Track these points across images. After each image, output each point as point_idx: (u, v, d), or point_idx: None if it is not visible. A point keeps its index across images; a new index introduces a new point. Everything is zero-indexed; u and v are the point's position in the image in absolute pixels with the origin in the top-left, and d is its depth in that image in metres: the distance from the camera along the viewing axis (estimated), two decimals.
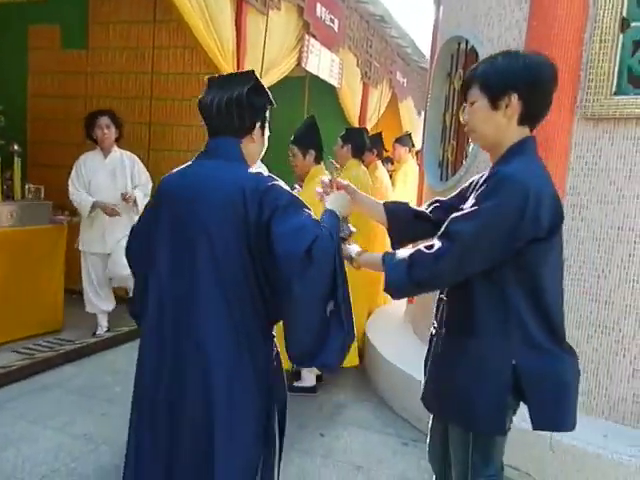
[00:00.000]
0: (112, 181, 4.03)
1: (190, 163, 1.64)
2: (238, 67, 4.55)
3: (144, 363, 1.59)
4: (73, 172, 4.04)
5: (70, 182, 4.00)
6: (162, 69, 5.35)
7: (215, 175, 1.53)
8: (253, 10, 4.54)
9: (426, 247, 1.48)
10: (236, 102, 1.56)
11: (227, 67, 4.42)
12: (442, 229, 1.49)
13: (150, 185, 4.11)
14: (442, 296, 1.69)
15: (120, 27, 5.57)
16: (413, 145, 6.25)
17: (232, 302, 1.49)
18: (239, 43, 4.51)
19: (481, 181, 1.54)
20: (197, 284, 1.49)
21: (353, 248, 1.77)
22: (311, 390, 3.45)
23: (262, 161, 3.73)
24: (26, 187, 4.09)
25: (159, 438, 1.55)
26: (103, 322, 4.22)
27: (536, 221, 1.42)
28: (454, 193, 1.81)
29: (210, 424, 1.47)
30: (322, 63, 5.65)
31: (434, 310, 1.74)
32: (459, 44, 3.64)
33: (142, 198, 3.99)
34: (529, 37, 2.84)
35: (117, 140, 4.10)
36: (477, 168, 3.21)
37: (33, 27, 5.93)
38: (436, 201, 1.86)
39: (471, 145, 3.44)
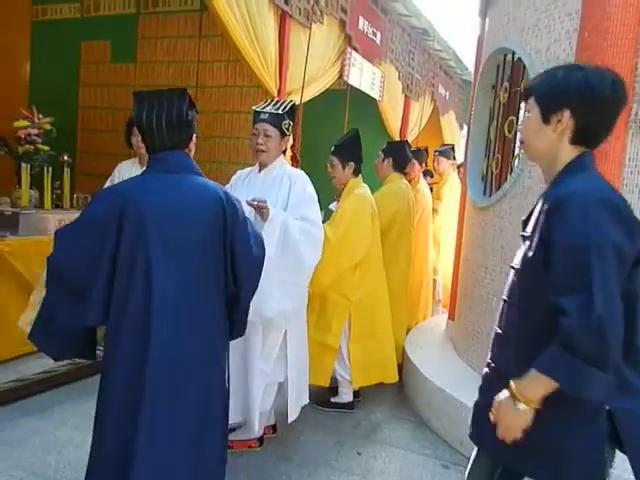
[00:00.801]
0: None
1: (148, 178, 1.77)
2: (280, 80, 4.59)
3: (124, 347, 1.70)
4: (108, 182, 3.56)
5: None
6: (206, 82, 5.47)
7: (195, 189, 1.78)
8: (296, 24, 4.58)
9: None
10: (180, 118, 1.76)
11: (269, 80, 4.46)
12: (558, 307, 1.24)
13: None
14: (500, 331, 1.53)
15: (167, 42, 5.74)
16: (454, 158, 6.15)
17: (217, 287, 1.82)
18: (282, 56, 4.55)
19: (540, 220, 1.35)
20: (200, 275, 1.76)
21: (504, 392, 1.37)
22: (348, 406, 3.39)
23: (306, 172, 3.78)
24: (74, 196, 4.20)
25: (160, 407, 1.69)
26: None
27: (633, 234, 1.26)
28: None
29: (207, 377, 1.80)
30: (364, 76, 5.65)
31: (491, 344, 1.57)
32: (505, 56, 3.57)
33: None
34: (580, 48, 2.75)
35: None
36: (523, 183, 3.12)
37: (86, 43, 6.18)
38: None
39: (517, 159, 3.35)
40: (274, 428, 2.97)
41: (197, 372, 1.76)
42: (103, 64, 6.17)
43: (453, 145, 6.25)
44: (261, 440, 2.85)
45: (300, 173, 2.77)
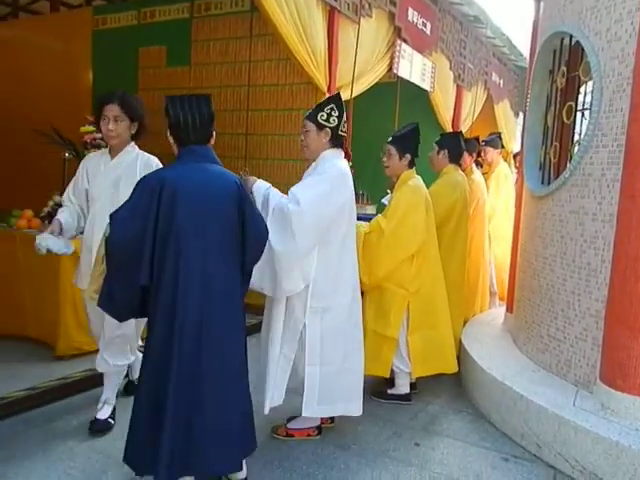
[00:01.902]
0: (114, 194, 2.73)
1: (181, 166, 2.13)
2: (330, 76, 4.63)
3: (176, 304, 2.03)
4: (77, 177, 2.99)
5: (67, 190, 2.98)
6: (258, 81, 5.56)
7: (218, 175, 2.16)
8: (345, 19, 4.60)
9: None
10: (206, 118, 2.17)
11: (319, 76, 4.51)
12: None
13: None
14: None
15: (219, 44, 5.87)
16: (503, 146, 5.98)
17: (235, 256, 2.18)
18: (331, 52, 4.58)
19: None
20: (221, 246, 2.11)
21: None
22: (405, 398, 3.40)
23: (353, 167, 3.68)
24: None
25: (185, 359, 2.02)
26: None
27: None
28: None
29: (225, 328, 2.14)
30: (414, 68, 5.60)
31: None
32: (562, 40, 3.46)
33: None
34: None
35: (136, 137, 2.88)
36: (583, 170, 3.02)
37: (143, 48, 6.43)
38: None
39: (577, 146, 3.24)
40: (332, 418, 3.01)
41: (218, 325, 2.11)
42: (159, 68, 6.40)
43: (500, 133, 6.09)
44: (319, 429, 2.91)
45: (331, 164, 2.69)
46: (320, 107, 2.71)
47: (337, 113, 2.68)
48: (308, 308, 2.63)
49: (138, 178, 2.27)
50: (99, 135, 4.31)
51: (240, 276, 2.23)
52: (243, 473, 2.34)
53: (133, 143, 2.83)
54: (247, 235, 2.20)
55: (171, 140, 2.21)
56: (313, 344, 2.66)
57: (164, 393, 2.01)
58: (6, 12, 9.03)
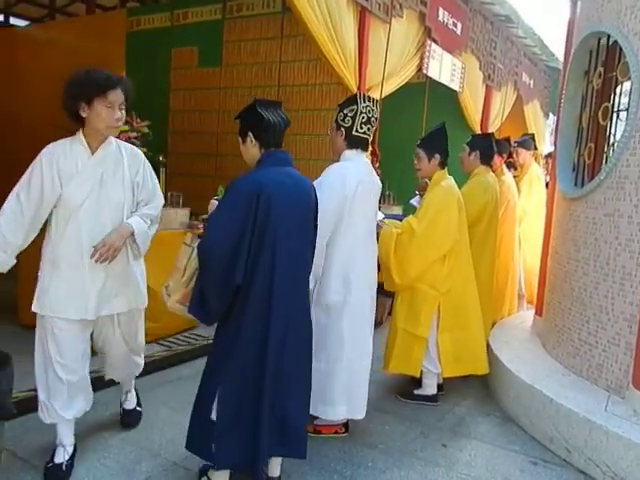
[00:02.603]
0: (100, 194, 2.31)
1: (271, 170, 2.19)
2: (360, 76, 4.63)
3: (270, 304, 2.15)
4: (27, 174, 2.25)
5: (15, 189, 2.26)
6: (288, 81, 5.62)
7: (302, 181, 2.27)
8: (375, 19, 4.60)
9: None
10: (286, 124, 2.28)
11: (349, 77, 4.52)
12: None
13: (162, 202, 2.62)
14: None
15: (250, 45, 5.96)
16: (536, 148, 5.90)
17: (311, 255, 2.36)
18: (361, 53, 4.58)
19: None
20: (304, 248, 2.27)
21: None
22: (432, 399, 3.39)
23: (381, 167, 3.67)
24: (169, 194, 4.48)
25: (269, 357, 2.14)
26: (66, 439, 2.44)
27: None
28: None
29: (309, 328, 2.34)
30: (443, 68, 5.56)
31: None
32: (599, 40, 3.41)
33: (146, 229, 2.45)
34: None
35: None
36: (619, 172, 2.98)
37: (176, 49, 6.55)
38: None
39: (613, 147, 3.19)
40: (346, 427, 2.95)
41: (303, 318, 2.30)
42: (191, 68, 6.51)
43: (533, 134, 6.01)
44: (346, 426, 2.92)
45: (333, 166, 2.77)
46: (340, 107, 2.75)
47: (351, 114, 2.68)
48: (314, 302, 2.65)
49: (127, 172, 2.35)
50: (134, 134, 4.42)
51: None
52: (278, 471, 2.39)
53: None
54: (314, 239, 2.37)
55: (251, 142, 2.22)
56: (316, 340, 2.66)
57: (258, 384, 2.13)
58: (43, 14, 9.29)
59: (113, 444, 2.69)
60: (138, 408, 2.94)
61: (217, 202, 2.24)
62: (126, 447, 2.67)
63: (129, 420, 2.86)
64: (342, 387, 2.71)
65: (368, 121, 2.72)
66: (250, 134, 2.23)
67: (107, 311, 2.43)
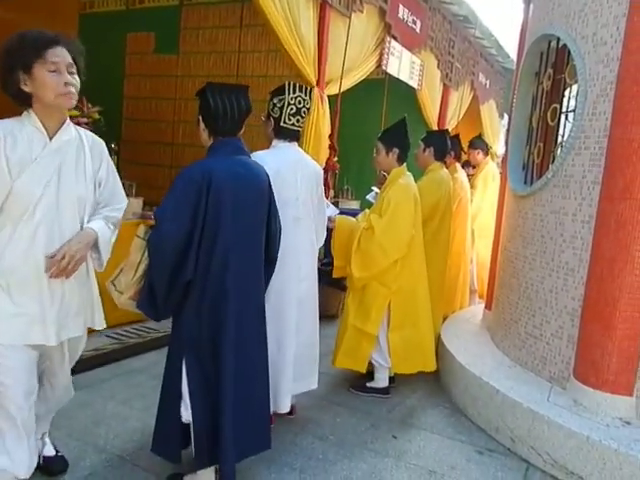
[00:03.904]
0: (58, 188, 1.87)
1: (223, 159, 2.11)
2: (319, 70, 4.62)
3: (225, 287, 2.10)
4: None
5: None
6: (247, 72, 5.56)
7: (255, 169, 2.21)
8: (336, 13, 4.59)
9: None
10: (246, 111, 2.16)
11: (309, 69, 4.50)
12: None
13: (126, 203, 2.17)
14: None
15: (209, 33, 5.85)
16: (488, 147, 6.06)
17: (262, 244, 2.28)
18: (321, 46, 4.57)
19: None
20: (256, 238, 2.22)
21: None
22: (383, 392, 3.44)
23: (340, 162, 3.65)
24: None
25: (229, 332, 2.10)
26: None
27: None
28: None
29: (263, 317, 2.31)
30: (402, 65, 5.62)
31: None
32: (550, 42, 3.51)
33: (110, 233, 2.05)
34: (629, 33, 2.69)
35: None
36: (565, 172, 3.08)
37: (131, 34, 6.35)
38: None
39: (560, 148, 3.30)
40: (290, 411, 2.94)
41: (255, 296, 2.27)
42: (147, 55, 6.34)
43: (479, 135, 6.20)
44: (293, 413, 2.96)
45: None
46: (271, 95, 2.70)
47: (280, 104, 2.65)
48: None
49: (89, 164, 1.91)
50: (84, 120, 4.26)
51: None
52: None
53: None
54: (272, 226, 2.30)
55: (202, 127, 2.16)
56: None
57: (220, 378, 2.09)
58: None
59: (57, 437, 2.59)
60: (59, 452, 2.37)
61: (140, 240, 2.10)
62: (71, 442, 2.58)
63: (56, 468, 2.30)
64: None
65: (297, 112, 2.67)
66: (200, 118, 2.17)
67: (66, 334, 1.97)
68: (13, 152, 1.77)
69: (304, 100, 2.69)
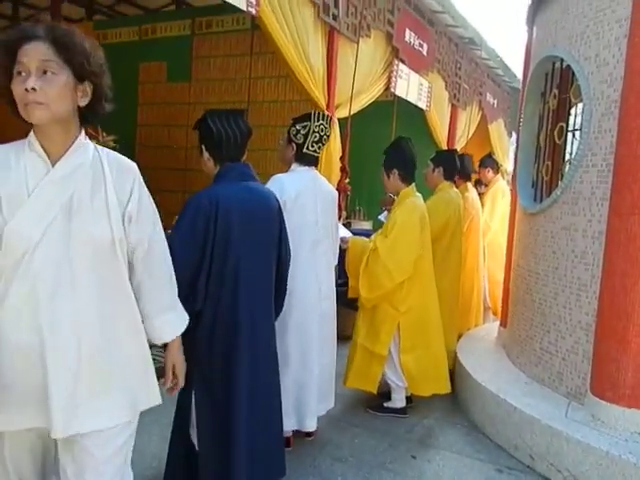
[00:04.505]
0: (70, 229, 1.36)
1: (230, 186, 2.11)
2: (329, 94, 4.73)
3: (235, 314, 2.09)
4: None
5: None
6: (258, 98, 5.68)
7: (264, 195, 2.22)
8: (344, 39, 4.72)
9: None
10: (247, 134, 2.18)
11: (318, 94, 4.61)
12: None
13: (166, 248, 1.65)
14: None
15: (220, 61, 6.01)
16: (498, 165, 6.12)
17: (273, 270, 2.30)
18: (330, 71, 4.69)
19: None
20: (266, 264, 2.23)
21: None
22: (401, 412, 3.44)
23: (351, 183, 3.69)
24: None
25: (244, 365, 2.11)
26: None
27: None
28: None
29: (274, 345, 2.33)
30: (410, 87, 5.72)
31: None
32: (554, 63, 3.59)
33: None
34: (630, 54, 2.75)
35: (89, 118, 1.47)
36: (574, 188, 3.13)
37: (143, 64, 6.54)
38: None
39: (568, 165, 3.35)
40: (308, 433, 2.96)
41: (266, 326, 2.26)
42: (159, 83, 6.51)
43: (490, 153, 6.26)
44: (310, 434, 2.96)
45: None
46: (294, 122, 2.79)
47: (304, 131, 2.73)
48: None
49: (112, 195, 1.39)
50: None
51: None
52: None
53: (83, 132, 1.42)
54: (283, 251, 2.32)
55: (206, 156, 2.17)
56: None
57: (232, 410, 2.08)
58: (5, 25, 9.15)
59: None
60: None
61: None
62: None
63: None
64: (290, 399, 2.71)
65: (320, 140, 2.77)
66: (204, 147, 2.18)
67: (87, 425, 1.38)
68: (3, 186, 1.32)
69: (325, 128, 2.79)
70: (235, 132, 2.13)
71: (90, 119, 1.46)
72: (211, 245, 2.00)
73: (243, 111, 2.32)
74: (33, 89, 1.26)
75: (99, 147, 1.47)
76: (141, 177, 1.53)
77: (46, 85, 1.29)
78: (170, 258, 1.63)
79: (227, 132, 2.11)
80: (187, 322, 1.68)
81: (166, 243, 1.60)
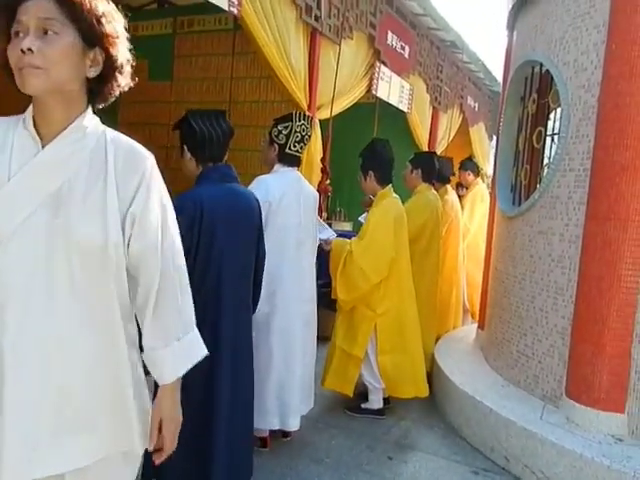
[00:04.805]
0: (52, 227, 1.08)
1: (215, 188, 2.10)
2: (310, 95, 4.72)
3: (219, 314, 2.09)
4: None
5: None
6: (239, 98, 5.64)
7: (246, 197, 2.23)
8: (326, 40, 4.71)
9: None
10: (229, 134, 2.16)
11: (300, 95, 4.59)
12: None
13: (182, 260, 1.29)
14: None
15: (202, 60, 5.95)
16: (479, 169, 6.17)
17: (252, 272, 2.30)
18: (312, 72, 4.67)
19: None
20: (246, 265, 2.24)
21: None
22: (378, 413, 3.44)
23: (332, 185, 3.65)
24: None
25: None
26: None
27: None
28: None
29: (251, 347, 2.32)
30: (392, 89, 5.73)
31: None
32: (533, 68, 3.62)
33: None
34: (608, 60, 2.79)
35: (99, 95, 1.20)
36: (552, 192, 3.16)
37: None
38: None
39: (546, 169, 3.39)
40: (286, 433, 2.97)
41: (246, 324, 2.29)
42: (140, 82, 6.42)
43: (470, 157, 6.31)
44: (286, 435, 2.95)
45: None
46: (275, 122, 2.81)
47: (286, 131, 2.75)
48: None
49: (112, 189, 1.11)
50: None
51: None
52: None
53: (90, 111, 1.18)
54: (260, 252, 2.33)
55: (187, 156, 2.15)
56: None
57: (214, 417, 2.07)
58: None
59: None
60: None
61: None
62: None
63: None
64: (273, 399, 2.73)
65: (302, 139, 2.79)
66: (185, 147, 2.16)
67: (48, 469, 1.11)
68: None
69: (307, 128, 2.81)
70: (218, 132, 2.11)
71: (101, 96, 1.20)
72: (195, 248, 1.98)
73: (224, 111, 2.24)
74: (30, 50, 1.02)
75: (110, 131, 1.20)
76: (158, 174, 1.22)
77: (45, 46, 1.04)
78: (186, 278, 1.27)
79: (210, 132, 2.09)
80: (200, 356, 1.27)
81: (181, 258, 1.26)
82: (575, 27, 3.05)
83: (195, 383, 2.04)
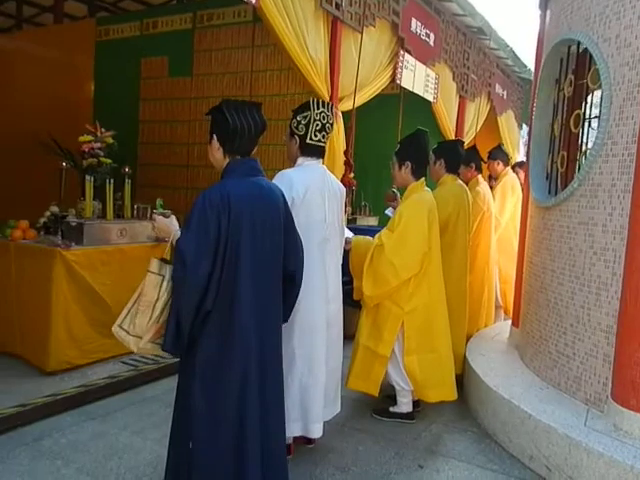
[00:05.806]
0: None
1: (243, 182, 2.04)
2: (332, 86, 4.57)
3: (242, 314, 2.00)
4: None
5: None
6: (260, 91, 5.54)
7: (272, 191, 2.13)
8: (347, 29, 4.55)
9: None
10: (262, 128, 2.08)
11: (321, 86, 4.45)
12: None
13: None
14: None
15: (221, 54, 5.87)
16: (508, 157, 5.89)
17: (280, 266, 2.19)
18: (333, 62, 4.53)
19: None
20: (274, 262, 2.13)
21: None
22: (408, 417, 3.27)
23: (356, 178, 3.51)
24: (135, 207, 4.32)
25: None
26: None
27: None
28: None
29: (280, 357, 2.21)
30: (417, 78, 5.53)
31: None
32: (569, 47, 3.39)
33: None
34: None
35: None
36: (592, 180, 2.93)
37: (145, 59, 6.42)
38: None
39: (585, 156, 3.15)
40: (308, 439, 2.84)
41: (275, 326, 2.17)
42: (161, 78, 6.38)
43: (499, 145, 6.00)
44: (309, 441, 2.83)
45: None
46: (294, 113, 2.67)
47: (305, 121, 2.61)
48: None
49: None
50: (97, 144, 4.27)
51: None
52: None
53: None
54: (290, 247, 2.20)
55: (216, 146, 2.07)
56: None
57: (245, 421, 2.00)
58: (10, 24, 9.09)
59: (67, 474, 2.50)
60: None
61: (161, 217, 2.08)
62: (81, 477, 2.48)
63: None
64: (295, 404, 2.60)
65: (322, 128, 2.64)
66: (215, 136, 2.08)
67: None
68: None
69: (327, 115, 2.66)
70: (250, 125, 2.04)
71: None
72: (224, 245, 1.93)
73: (260, 104, 2.15)
74: None
75: None
76: None
77: None
78: None
79: (242, 124, 2.02)
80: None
81: None
82: (617, 0, 2.81)
83: (223, 401, 1.99)
